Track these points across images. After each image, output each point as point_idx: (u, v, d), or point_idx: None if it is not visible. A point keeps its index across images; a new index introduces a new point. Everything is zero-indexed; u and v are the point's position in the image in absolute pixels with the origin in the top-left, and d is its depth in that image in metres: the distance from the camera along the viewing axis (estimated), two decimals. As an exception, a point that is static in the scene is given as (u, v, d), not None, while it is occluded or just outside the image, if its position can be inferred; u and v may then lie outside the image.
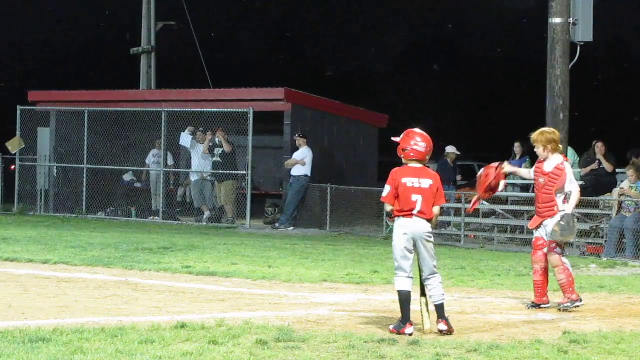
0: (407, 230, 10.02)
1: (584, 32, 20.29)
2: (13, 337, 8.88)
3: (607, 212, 20.17)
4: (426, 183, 10.08)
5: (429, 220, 10.08)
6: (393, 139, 10.39)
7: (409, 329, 9.84)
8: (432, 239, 10.09)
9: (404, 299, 9.98)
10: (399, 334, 9.76)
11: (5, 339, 8.80)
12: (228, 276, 14.24)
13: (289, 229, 24.56)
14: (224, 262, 16.05)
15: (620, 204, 19.64)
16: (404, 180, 10.08)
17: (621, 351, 9.27)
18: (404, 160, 10.26)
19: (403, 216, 10.06)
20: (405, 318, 9.91)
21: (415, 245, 10.03)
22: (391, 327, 9.95)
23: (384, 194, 10.19)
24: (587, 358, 8.96)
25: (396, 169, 10.25)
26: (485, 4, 45.23)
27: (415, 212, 10.02)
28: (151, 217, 26.62)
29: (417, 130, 10.31)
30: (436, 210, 10.14)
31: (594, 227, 20.48)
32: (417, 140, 10.16)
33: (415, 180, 10.07)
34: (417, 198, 10.02)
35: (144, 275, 14.30)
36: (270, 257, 17.06)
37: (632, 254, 18.71)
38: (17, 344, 8.62)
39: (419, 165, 10.19)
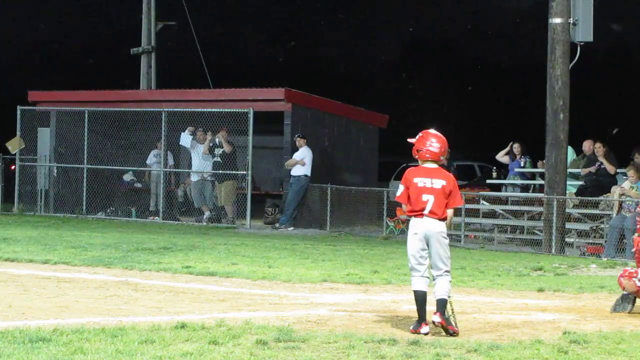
0: (418, 230, 10.05)
1: (584, 32, 20.30)
2: (13, 337, 8.88)
3: (607, 212, 20.17)
4: (438, 183, 10.10)
5: (443, 220, 10.09)
6: (409, 140, 10.43)
7: (424, 329, 9.88)
8: (446, 240, 10.08)
9: (419, 299, 10.01)
10: (416, 334, 9.81)
11: (5, 339, 8.80)
12: (228, 276, 14.25)
13: (289, 229, 24.56)
14: (224, 262, 16.06)
15: (620, 203, 19.64)
16: (415, 180, 10.13)
17: (621, 351, 9.27)
18: (419, 161, 10.32)
19: (415, 216, 10.10)
20: (421, 318, 9.95)
21: (428, 245, 10.05)
22: (411, 327, 10.00)
23: (398, 193, 10.27)
24: (587, 358, 8.96)
25: (410, 168, 10.36)
26: (485, 3, 45.23)
27: (426, 212, 10.04)
28: (151, 217, 26.62)
29: (432, 131, 10.38)
30: (449, 212, 10.14)
31: (594, 227, 20.48)
32: (432, 141, 10.22)
33: (427, 180, 10.10)
34: (427, 198, 10.05)
35: (144, 275, 14.31)
36: (270, 257, 17.06)
37: (632, 254, 18.68)
38: (17, 344, 8.62)
39: (434, 166, 10.24)
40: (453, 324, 9.92)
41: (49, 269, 14.75)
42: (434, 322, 9.86)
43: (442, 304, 9.95)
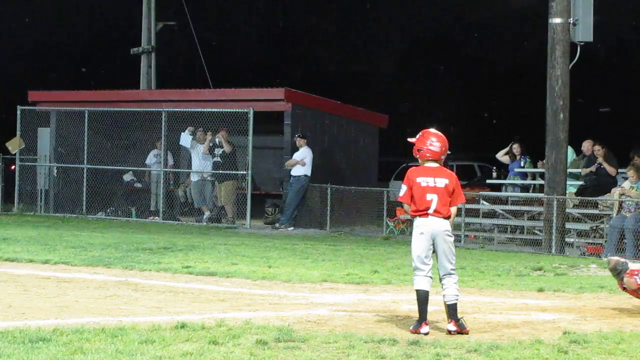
0: (424, 229, 10.06)
1: (584, 32, 20.30)
2: (13, 337, 8.88)
3: (607, 212, 20.17)
4: (441, 182, 10.14)
5: (447, 218, 10.12)
6: (409, 139, 10.46)
7: (424, 329, 9.89)
8: (451, 238, 10.11)
9: (421, 298, 10.01)
10: (416, 333, 9.81)
11: (5, 339, 8.80)
12: (228, 276, 14.25)
13: (289, 229, 24.55)
14: (224, 262, 16.06)
15: (620, 204, 19.64)
16: (418, 179, 10.16)
17: (621, 351, 9.27)
18: (420, 161, 10.35)
19: (419, 216, 10.12)
20: (422, 317, 9.96)
21: (434, 244, 10.06)
22: (411, 327, 10.01)
23: (401, 193, 10.30)
24: (587, 358, 8.96)
25: (412, 168, 10.38)
26: (486, 2, 45.23)
27: (430, 211, 10.06)
28: (151, 217, 26.62)
29: (433, 130, 10.43)
30: (453, 210, 10.18)
31: (594, 227, 20.48)
32: (432, 140, 10.26)
33: (430, 179, 10.14)
34: (432, 197, 10.08)
35: (144, 275, 14.31)
36: (270, 257, 17.06)
37: (632, 254, 18.70)
38: (17, 344, 8.62)
39: (435, 165, 10.27)
40: (466, 326, 9.96)
41: (49, 269, 14.75)
42: (450, 332, 9.88)
43: (454, 310, 9.98)
